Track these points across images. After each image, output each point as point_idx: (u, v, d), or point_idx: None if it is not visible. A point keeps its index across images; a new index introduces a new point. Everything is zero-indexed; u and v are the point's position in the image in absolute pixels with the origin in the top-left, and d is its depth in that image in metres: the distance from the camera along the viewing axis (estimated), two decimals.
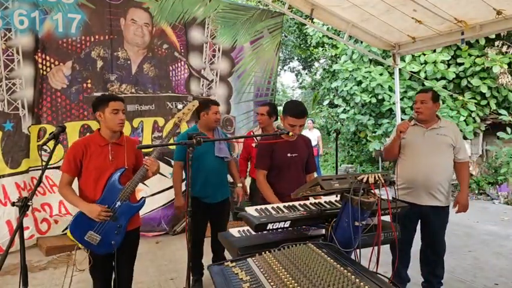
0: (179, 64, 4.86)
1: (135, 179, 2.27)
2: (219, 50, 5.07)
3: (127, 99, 4.53)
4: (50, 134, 2.05)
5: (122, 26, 4.49)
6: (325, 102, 11.09)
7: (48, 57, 4.16)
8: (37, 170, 4.15)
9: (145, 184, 4.51)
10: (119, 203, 2.21)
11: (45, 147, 3.71)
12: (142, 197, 2.40)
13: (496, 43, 7.44)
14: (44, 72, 4.17)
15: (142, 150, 2.71)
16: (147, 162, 2.29)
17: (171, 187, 4.77)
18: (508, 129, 7.58)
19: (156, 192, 4.68)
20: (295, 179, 2.53)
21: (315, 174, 2.88)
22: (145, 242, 4.38)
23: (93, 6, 4.29)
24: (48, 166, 2.12)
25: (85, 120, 4.30)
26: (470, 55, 7.73)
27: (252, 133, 4.84)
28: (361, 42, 7.12)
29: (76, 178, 2.28)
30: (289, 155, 2.55)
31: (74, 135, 4.23)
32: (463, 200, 2.86)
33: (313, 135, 8.95)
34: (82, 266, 2.28)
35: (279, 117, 3.29)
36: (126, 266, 2.39)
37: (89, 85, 4.37)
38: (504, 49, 7.40)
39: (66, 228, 4.32)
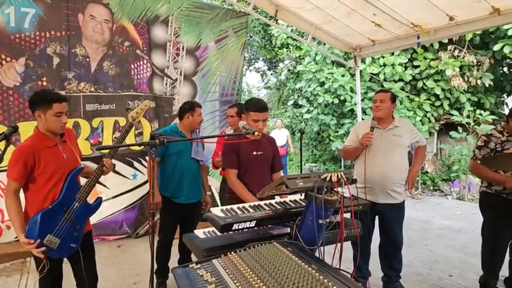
0: (141, 62, 4.71)
1: (93, 179, 2.17)
2: (183, 49, 4.98)
3: (86, 98, 4.36)
4: (0, 135, 1.92)
5: (80, 21, 4.28)
6: (290, 103, 11.25)
7: None
8: None
9: (105, 186, 4.35)
10: (77, 204, 2.11)
11: None
12: (99, 197, 2.30)
13: (449, 47, 7.89)
14: None
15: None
16: (106, 164, 2.20)
17: (133, 189, 4.63)
18: (460, 129, 8.06)
19: (118, 194, 4.50)
20: (260, 177, 2.55)
21: (282, 173, 2.91)
22: (106, 246, 4.21)
23: (49, 1, 4.06)
24: None
25: None
26: (425, 58, 8.15)
27: (224, 133, 4.86)
28: (324, 44, 7.29)
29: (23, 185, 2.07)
30: (254, 153, 2.57)
31: (27, 136, 3.96)
32: (412, 174, 3.00)
33: (282, 134, 9.05)
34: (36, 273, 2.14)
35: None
36: (89, 269, 2.28)
37: (44, 83, 4.12)
38: (456, 53, 7.87)
39: None
